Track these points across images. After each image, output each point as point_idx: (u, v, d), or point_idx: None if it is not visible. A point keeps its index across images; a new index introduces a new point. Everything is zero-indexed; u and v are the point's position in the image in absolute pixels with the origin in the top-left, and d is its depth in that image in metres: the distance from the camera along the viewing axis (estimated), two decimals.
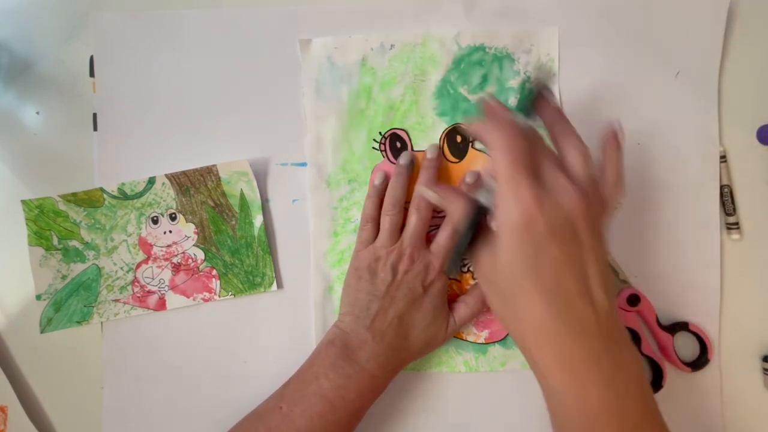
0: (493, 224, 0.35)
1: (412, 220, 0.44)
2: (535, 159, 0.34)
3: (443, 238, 0.44)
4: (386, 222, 0.44)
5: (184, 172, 0.47)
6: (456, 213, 0.39)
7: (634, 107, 0.47)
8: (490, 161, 0.34)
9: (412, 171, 0.46)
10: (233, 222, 0.47)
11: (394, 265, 0.43)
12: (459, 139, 0.46)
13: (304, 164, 0.47)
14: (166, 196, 0.47)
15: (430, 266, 0.43)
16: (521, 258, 0.33)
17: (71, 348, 0.47)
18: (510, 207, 0.32)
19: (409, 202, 0.45)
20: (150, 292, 0.47)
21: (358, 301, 0.43)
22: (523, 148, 0.33)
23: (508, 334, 0.45)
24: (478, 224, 0.36)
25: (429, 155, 0.45)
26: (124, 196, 0.47)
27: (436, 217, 0.45)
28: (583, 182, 0.34)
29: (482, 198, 0.36)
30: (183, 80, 0.48)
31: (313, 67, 0.47)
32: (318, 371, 0.41)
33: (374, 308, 0.42)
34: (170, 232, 0.47)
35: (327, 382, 0.40)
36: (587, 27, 0.47)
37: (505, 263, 0.33)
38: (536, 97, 0.37)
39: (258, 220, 0.47)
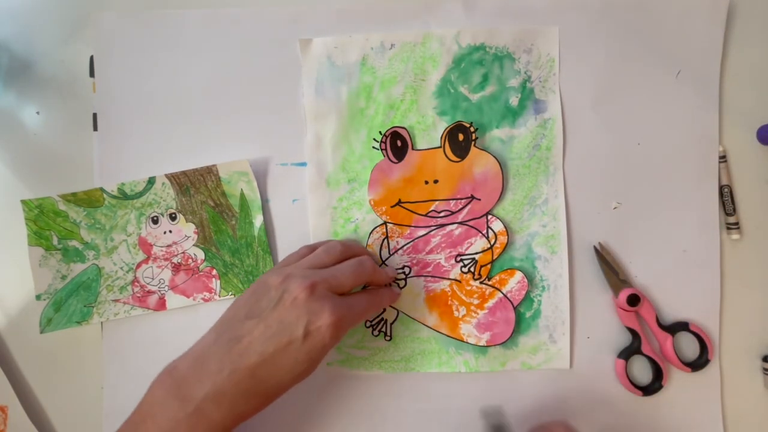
0: None
1: (347, 263, 0.40)
2: None
3: (363, 301, 0.40)
4: (322, 249, 0.41)
5: (184, 172, 0.47)
6: (384, 295, 0.41)
7: (634, 107, 0.47)
8: None
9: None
10: (233, 222, 0.47)
11: (289, 288, 0.36)
12: (461, 137, 0.46)
13: (304, 164, 0.47)
14: (166, 196, 0.47)
15: (326, 315, 0.35)
16: None
17: (71, 348, 0.47)
18: None
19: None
20: (150, 292, 0.47)
21: (232, 318, 0.37)
22: None
23: (509, 337, 0.45)
24: None
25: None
26: (124, 196, 0.47)
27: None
28: None
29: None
30: (183, 80, 0.48)
31: (313, 67, 0.47)
32: (145, 413, 0.35)
33: (240, 331, 0.36)
34: (170, 232, 0.47)
35: (153, 426, 0.34)
36: (587, 27, 0.47)
37: None
38: None
39: (258, 220, 0.47)
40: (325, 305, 0.36)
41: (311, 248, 0.43)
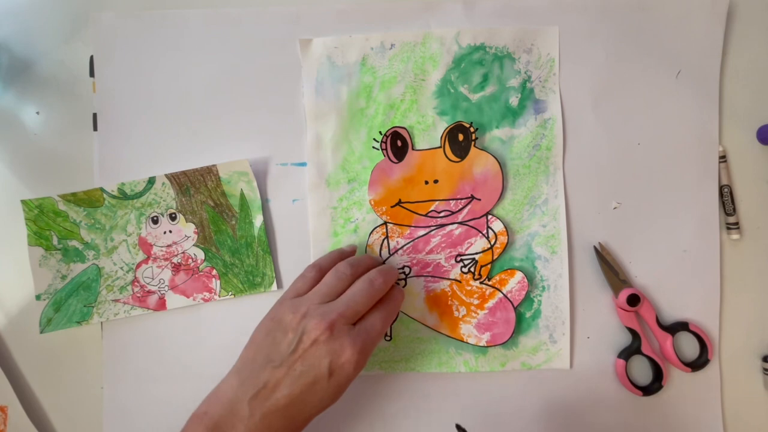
0: None
1: (358, 287, 0.39)
2: None
3: (378, 320, 0.39)
4: (332, 276, 0.40)
5: (184, 172, 0.47)
6: (395, 301, 0.40)
7: (634, 107, 0.47)
8: None
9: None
10: (233, 222, 0.47)
11: (307, 328, 0.36)
12: (461, 137, 0.46)
13: (304, 164, 0.47)
14: (166, 196, 0.47)
15: (348, 351, 0.36)
16: None
17: (71, 348, 0.47)
18: None
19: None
20: (150, 292, 0.47)
21: (252, 361, 0.37)
22: None
23: (509, 338, 0.46)
24: None
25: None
26: (124, 196, 0.47)
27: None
28: None
29: None
30: (183, 80, 0.48)
31: (313, 67, 0.47)
32: None
33: (264, 378, 0.36)
34: (170, 232, 0.47)
35: None
36: (587, 27, 0.47)
37: None
38: None
39: (258, 220, 0.47)
40: (345, 342, 0.36)
41: (318, 269, 0.41)
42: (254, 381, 0.36)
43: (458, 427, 0.39)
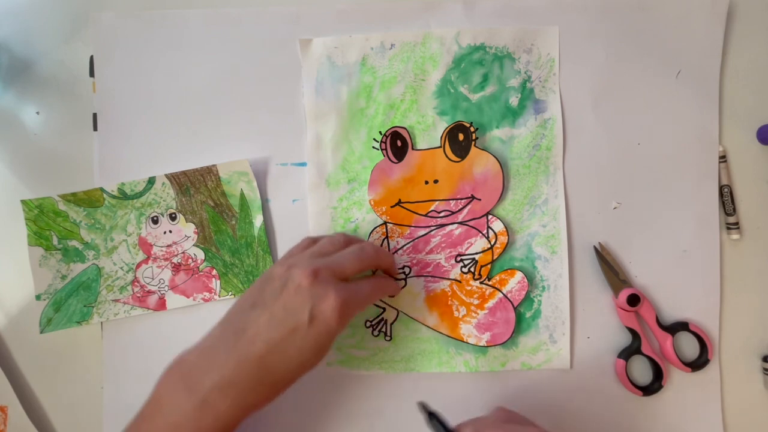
0: None
1: (349, 249, 0.39)
2: None
3: (366, 285, 0.39)
4: (325, 240, 0.41)
5: (184, 172, 0.47)
6: (388, 281, 0.42)
7: (634, 107, 0.47)
8: None
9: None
10: (233, 222, 0.47)
11: (292, 276, 0.36)
12: (461, 137, 0.46)
13: (304, 164, 0.47)
14: (166, 196, 0.47)
15: (331, 299, 0.35)
16: None
17: (71, 348, 0.47)
18: None
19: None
20: (150, 292, 0.47)
21: (237, 311, 0.37)
22: None
23: (509, 338, 0.46)
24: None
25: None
26: (124, 196, 0.47)
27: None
28: None
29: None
30: (183, 80, 0.48)
31: (313, 67, 0.47)
32: (154, 406, 0.35)
33: (245, 323, 0.36)
34: (170, 232, 0.47)
35: (161, 419, 0.34)
36: (587, 27, 0.47)
37: None
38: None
39: (258, 220, 0.47)
40: (328, 289, 0.36)
41: (314, 240, 0.42)
42: (235, 327, 0.36)
43: (421, 404, 0.38)
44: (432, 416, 0.37)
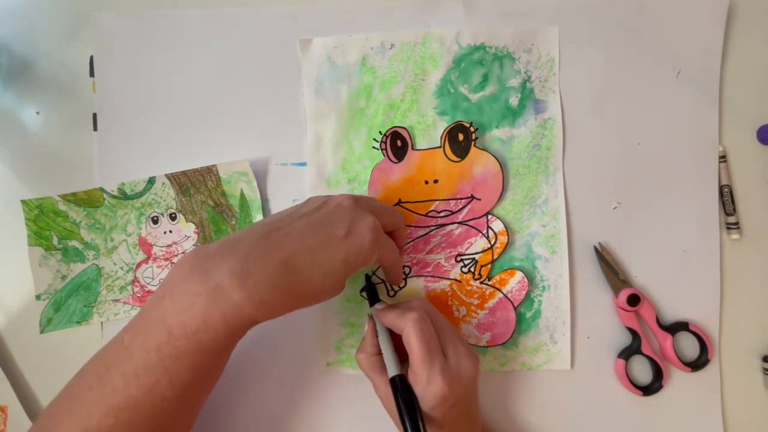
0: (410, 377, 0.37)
1: (382, 203, 0.41)
2: (438, 334, 0.38)
3: (397, 239, 0.41)
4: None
5: (184, 172, 0.47)
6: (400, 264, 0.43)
7: (634, 107, 0.47)
8: (405, 341, 0.37)
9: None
10: (233, 222, 0.47)
11: (334, 197, 0.37)
12: (461, 137, 0.46)
13: (304, 164, 0.47)
14: (166, 196, 0.47)
15: (370, 220, 0.35)
16: (441, 414, 0.36)
17: (71, 348, 0.47)
18: (426, 387, 0.36)
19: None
20: (150, 292, 0.47)
21: (273, 216, 0.36)
22: (431, 331, 0.37)
23: (509, 338, 0.46)
24: None
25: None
26: (124, 196, 0.47)
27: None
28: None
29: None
30: (183, 80, 0.48)
31: (313, 67, 0.47)
32: (165, 289, 0.32)
33: (281, 223, 0.34)
34: (170, 231, 0.47)
35: (170, 302, 0.31)
36: (587, 27, 0.47)
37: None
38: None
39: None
40: (366, 213, 0.36)
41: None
42: (269, 227, 0.34)
43: (367, 277, 0.41)
44: (368, 283, 0.40)
